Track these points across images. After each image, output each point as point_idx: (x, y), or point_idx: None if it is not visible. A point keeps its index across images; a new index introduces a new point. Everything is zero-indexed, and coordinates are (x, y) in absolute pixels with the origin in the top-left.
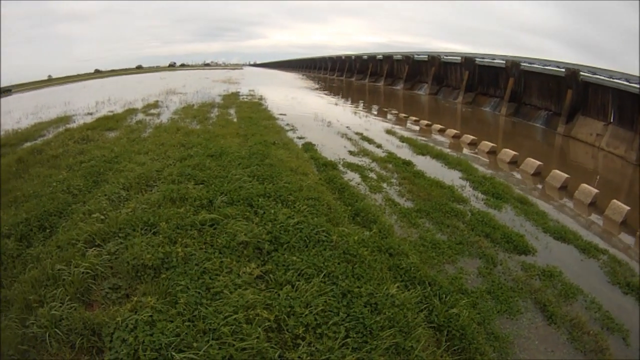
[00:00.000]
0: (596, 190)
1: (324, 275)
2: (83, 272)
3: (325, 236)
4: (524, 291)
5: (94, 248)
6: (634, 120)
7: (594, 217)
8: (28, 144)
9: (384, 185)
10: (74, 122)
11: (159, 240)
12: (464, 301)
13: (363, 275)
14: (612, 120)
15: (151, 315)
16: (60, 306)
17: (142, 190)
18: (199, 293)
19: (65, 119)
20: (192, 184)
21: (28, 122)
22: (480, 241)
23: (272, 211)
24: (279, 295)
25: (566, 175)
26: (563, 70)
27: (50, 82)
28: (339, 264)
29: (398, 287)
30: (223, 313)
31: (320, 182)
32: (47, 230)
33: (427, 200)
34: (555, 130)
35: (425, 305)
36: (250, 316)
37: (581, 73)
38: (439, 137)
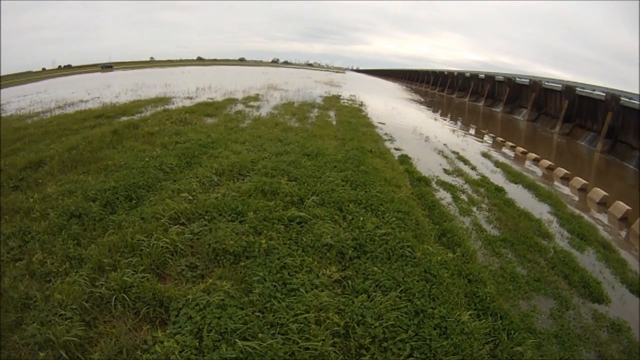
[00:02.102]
0: None
1: (401, 290)
2: (162, 247)
3: (409, 252)
4: (590, 342)
5: (177, 226)
6: None
7: None
8: (125, 118)
9: (474, 209)
10: (173, 104)
11: (245, 229)
12: (530, 341)
13: (439, 296)
14: None
15: (223, 299)
16: (134, 274)
17: (234, 178)
18: (275, 287)
19: (164, 100)
20: (285, 180)
21: (127, 97)
22: (558, 281)
23: (361, 218)
24: (353, 302)
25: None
26: None
27: (152, 63)
28: (417, 281)
29: (470, 314)
30: (295, 310)
31: (412, 197)
32: (134, 201)
33: (513, 230)
34: None
35: (492, 338)
36: (321, 318)
37: None
38: (532, 167)
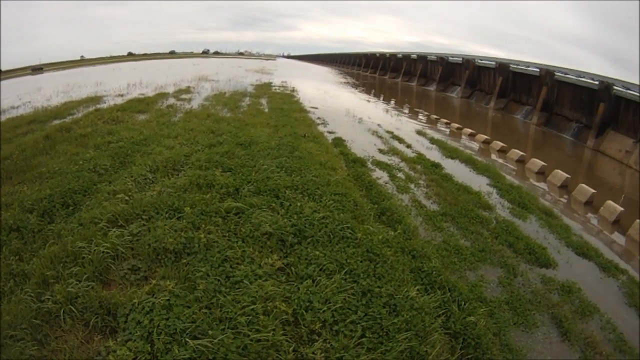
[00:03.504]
0: (621, 209)
1: (346, 272)
2: (103, 252)
3: (350, 233)
4: (542, 305)
5: (116, 228)
6: None
7: (617, 235)
8: (57, 121)
9: (412, 186)
10: (105, 102)
11: (183, 225)
12: (482, 310)
13: (384, 275)
14: None
15: (168, 300)
16: (78, 284)
17: (168, 174)
18: (219, 281)
19: (95, 99)
20: (220, 171)
21: (58, 100)
22: (502, 250)
23: (299, 204)
24: (298, 289)
25: (592, 190)
26: (596, 82)
27: (82, 62)
28: (361, 261)
29: (418, 290)
30: (241, 303)
31: (348, 179)
32: (71, 208)
33: (453, 204)
34: (584, 144)
35: (443, 311)
36: (269, 308)
37: (614, 87)
38: (468, 142)
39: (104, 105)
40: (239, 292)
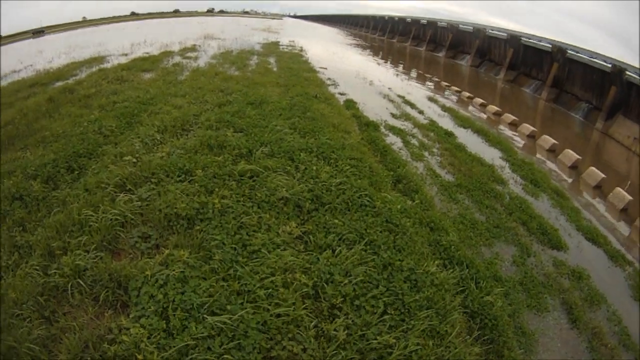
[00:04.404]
0: (630, 197)
1: (366, 242)
2: (111, 219)
3: (368, 201)
4: (554, 289)
5: (124, 193)
6: None
7: (624, 224)
8: (60, 83)
9: (426, 154)
10: (108, 62)
11: (195, 188)
12: (498, 289)
13: (404, 247)
14: None
15: (183, 271)
16: (86, 255)
17: (177, 134)
18: (235, 250)
19: (99, 59)
20: (231, 132)
21: (60, 61)
22: (516, 228)
23: (314, 168)
24: (318, 259)
25: (602, 175)
26: (609, 65)
27: (84, 23)
28: (380, 232)
29: (437, 265)
30: (260, 274)
31: (362, 143)
32: (76, 172)
33: (467, 176)
34: (593, 125)
35: (461, 288)
36: (288, 280)
37: (627, 72)
38: (479, 112)
39: (108, 65)
40: (256, 262)
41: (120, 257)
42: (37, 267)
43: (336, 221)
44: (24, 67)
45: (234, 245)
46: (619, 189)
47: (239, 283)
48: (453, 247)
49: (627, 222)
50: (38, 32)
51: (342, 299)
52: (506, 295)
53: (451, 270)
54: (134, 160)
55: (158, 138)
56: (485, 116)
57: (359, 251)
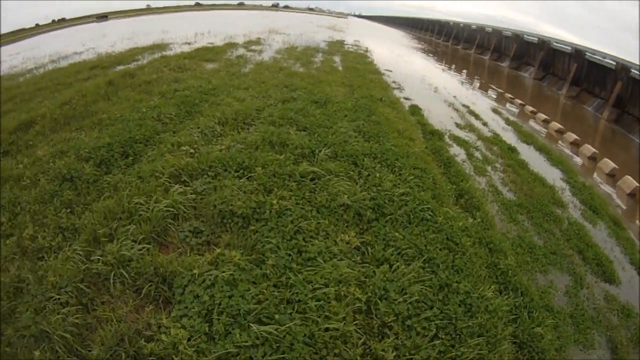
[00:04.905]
0: None
1: (424, 260)
2: (163, 210)
3: (430, 215)
4: (602, 325)
5: (179, 185)
6: None
7: None
8: (121, 67)
9: (489, 168)
10: (171, 50)
11: (253, 186)
12: (549, 321)
13: (463, 268)
14: None
15: (233, 274)
16: (132, 245)
17: (238, 127)
18: (290, 256)
19: (161, 46)
20: (294, 130)
21: (123, 46)
22: (572, 256)
23: (377, 175)
24: (374, 273)
25: None
26: None
27: (148, 10)
28: (440, 249)
29: (493, 290)
30: (313, 284)
31: (426, 152)
32: (130, 158)
33: (528, 195)
34: None
35: (514, 316)
36: (342, 292)
37: None
38: (542, 128)
39: (170, 53)
40: (311, 271)
41: (169, 250)
42: (80, 252)
43: (396, 234)
44: (85, 49)
45: (289, 251)
46: None
47: (290, 291)
48: (510, 271)
49: None
50: (102, 17)
51: (394, 318)
52: (555, 328)
53: (506, 297)
54: (192, 150)
55: (218, 130)
56: (547, 132)
57: (417, 268)
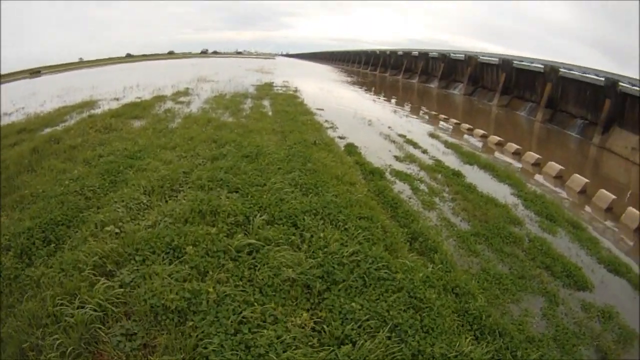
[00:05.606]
0: None
1: (390, 328)
2: (91, 314)
3: (387, 273)
4: (586, 337)
5: (104, 278)
6: None
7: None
8: (48, 129)
9: (437, 200)
10: (99, 107)
11: (185, 271)
12: (534, 356)
13: (433, 327)
14: None
15: None
16: None
17: (165, 195)
18: (237, 355)
19: (90, 104)
20: (225, 192)
21: (52, 105)
22: (541, 275)
23: (322, 234)
24: (336, 356)
25: (613, 197)
26: (602, 79)
27: (81, 64)
28: (404, 311)
29: (469, 340)
30: None
31: (369, 195)
32: (52, 245)
33: (483, 221)
34: (590, 141)
35: None
36: None
37: (620, 84)
38: (481, 143)
39: (98, 111)
40: None
41: (103, 358)
42: None
43: (353, 304)
44: (15, 109)
45: (234, 349)
46: (631, 209)
47: None
48: (483, 314)
49: None
50: (35, 73)
51: None
52: (542, 357)
53: (484, 344)
54: (117, 230)
55: (144, 202)
56: (487, 147)
57: (383, 340)
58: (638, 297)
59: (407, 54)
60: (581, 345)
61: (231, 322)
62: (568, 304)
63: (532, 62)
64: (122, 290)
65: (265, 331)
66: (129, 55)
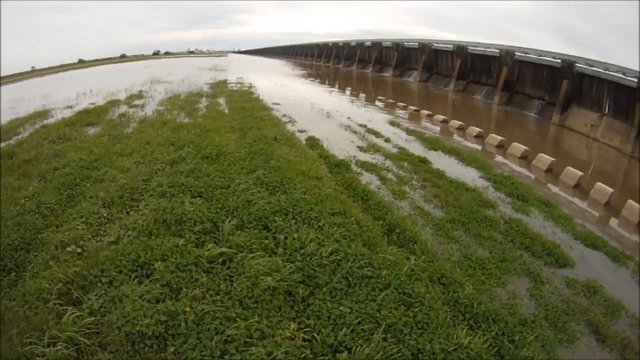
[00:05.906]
0: (611, 190)
1: (384, 329)
2: (62, 351)
3: (370, 271)
4: (575, 312)
5: (72, 307)
6: (630, 113)
7: (614, 220)
8: (2, 144)
9: (407, 188)
10: (52, 116)
11: (157, 291)
12: (530, 337)
13: (427, 322)
14: (606, 112)
15: None
16: None
17: (126, 207)
18: None
19: (43, 114)
20: (189, 198)
21: (5, 118)
22: (522, 256)
23: (296, 235)
24: None
25: (580, 173)
26: (559, 61)
27: (33, 73)
28: (395, 309)
29: (465, 331)
30: None
31: (338, 189)
32: (13, 274)
33: (457, 207)
34: (549, 120)
35: (495, 348)
36: None
37: (577, 64)
38: (442, 129)
39: (52, 121)
40: None
41: None
42: None
43: (342, 308)
44: None
45: None
46: (599, 184)
47: None
48: (474, 302)
49: (615, 216)
50: None
51: None
52: (537, 338)
53: (480, 333)
54: (79, 250)
55: (104, 215)
56: (449, 131)
57: (379, 343)
58: (616, 267)
59: (360, 45)
60: (572, 321)
61: (215, 342)
62: (553, 282)
63: (487, 48)
64: (92, 318)
65: (254, 348)
66: (81, 61)
